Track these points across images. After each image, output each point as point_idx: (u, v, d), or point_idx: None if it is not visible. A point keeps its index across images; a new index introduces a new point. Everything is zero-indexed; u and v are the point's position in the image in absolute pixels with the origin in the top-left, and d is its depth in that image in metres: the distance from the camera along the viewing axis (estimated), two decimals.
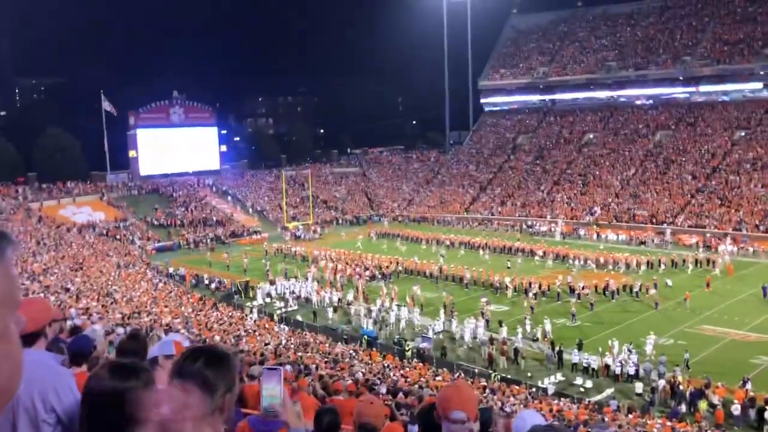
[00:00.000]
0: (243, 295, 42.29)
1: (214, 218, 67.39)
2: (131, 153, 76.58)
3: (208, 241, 60.94)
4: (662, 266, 45.31)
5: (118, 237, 58.06)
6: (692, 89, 74.81)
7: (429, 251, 53.96)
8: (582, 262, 47.29)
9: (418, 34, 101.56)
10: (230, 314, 35.33)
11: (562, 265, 47.79)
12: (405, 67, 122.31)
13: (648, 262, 45.91)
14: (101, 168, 74.06)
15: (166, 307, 33.31)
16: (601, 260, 47.15)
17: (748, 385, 24.94)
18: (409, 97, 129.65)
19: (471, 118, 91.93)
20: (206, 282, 45.30)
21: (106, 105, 70.42)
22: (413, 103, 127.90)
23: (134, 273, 44.25)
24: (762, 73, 70.01)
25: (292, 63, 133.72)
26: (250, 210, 71.67)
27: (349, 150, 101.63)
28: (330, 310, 38.11)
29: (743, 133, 66.48)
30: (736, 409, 23.59)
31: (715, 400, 24.42)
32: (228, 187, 76.59)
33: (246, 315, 36.24)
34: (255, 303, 40.22)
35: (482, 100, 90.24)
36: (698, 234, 54.05)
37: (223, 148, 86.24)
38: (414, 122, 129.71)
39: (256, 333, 29.94)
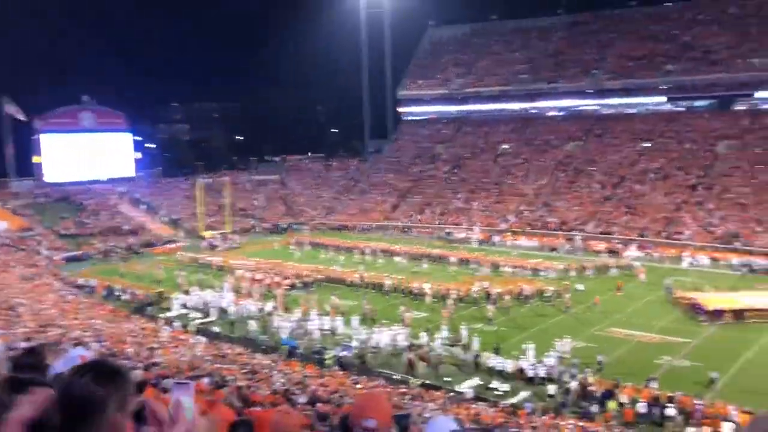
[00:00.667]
0: (158, 306, 41.02)
1: (127, 227, 65.11)
2: (35, 159, 73.10)
3: (120, 250, 58.80)
4: (573, 272, 47.00)
5: (23, 247, 55.16)
6: (600, 102, 78.25)
7: (350, 259, 53.93)
8: (493, 268, 48.47)
9: (338, 43, 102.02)
10: (144, 326, 34.18)
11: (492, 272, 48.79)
12: (325, 75, 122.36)
13: (564, 269, 47.46)
14: (2, 174, 70.32)
15: (75, 319, 31.83)
16: (515, 266, 48.46)
17: (653, 384, 26.20)
18: (329, 105, 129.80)
19: (390, 127, 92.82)
20: (118, 293, 43.68)
21: (11, 109, 66.96)
22: (333, 111, 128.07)
23: (41, 285, 42.12)
24: (664, 87, 74.01)
25: (209, 68, 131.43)
26: (165, 219, 69.66)
27: (267, 157, 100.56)
28: (249, 320, 37.48)
29: (648, 144, 69.99)
30: (642, 407, 24.72)
31: (624, 399, 25.50)
32: (141, 195, 74.20)
33: (160, 327, 35.15)
34: (170, 314, 39.08)
35: (401, 110, 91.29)
36: (606, 240, 56.44)
37: (138, 155, 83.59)
38: (334, 130, 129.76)
39: (171, 345, 29.06)
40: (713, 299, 37.64)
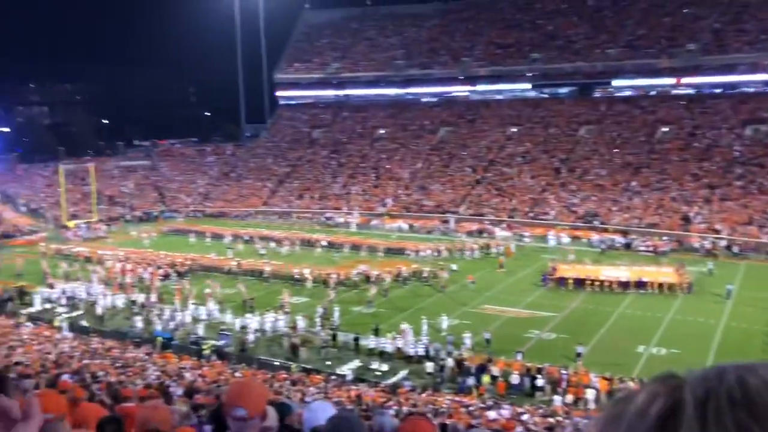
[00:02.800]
0: (18, 302, 38.33)
1: None
2: None
3: None
4: (447, 252, 48.58)
5: None
6: (471, 88, 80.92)
7: (223, 247, 52.71)
8: (376, 252, 49.26)
9: (211, 23, 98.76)
10: (3, 323, 31.86)
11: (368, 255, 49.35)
12: (196, 56, 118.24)
13: (437, 249, 48.94)
14: None
15: None
16: (393, 248, 49.45)
17: (518, 357, 27.78)
18: (202, 87, 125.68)
19: (267, 111, 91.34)
20: None
21: None
22: (206, 94, 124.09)
23: None
24: (530, 74, 77.65)
25: (70, 47, 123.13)
26: (23, 208, 64.93)
27: (136, 142, 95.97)
28: (118, 312, 35.91)
29: (515, 129, 73.27)
30: (515, 378, 26.13)
31: (496, 372, 26.80)
32: None
33: (21, 323, 32.90)
34: (32, 309, 36.66)
35: (278, 94, 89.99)
36: (478, 221, 58.74)
37: None
38: (207, 113, 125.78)
39: (35, 342, 27.29)
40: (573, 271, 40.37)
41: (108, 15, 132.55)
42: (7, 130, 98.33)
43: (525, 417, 19.76)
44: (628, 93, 73.63)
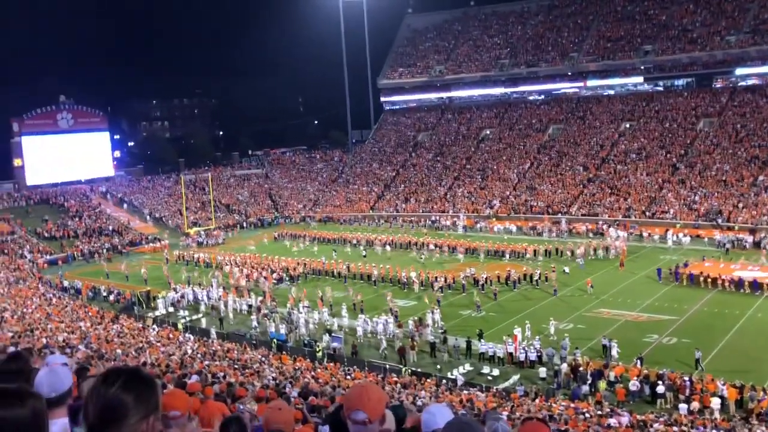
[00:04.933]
0: (144, 306, 40.82)
1: (110, 227, 64.58)
2: (17, 162, 72.29)
3: (104, 251, 58.36)
4: (561, 254, 47.24)
5: (5, 251, 54.57)
6: (580, 84, 78.47)
7: (342, 251, 53.75)
8: (486, 254, 48.68)
9: (316, 34, 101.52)
10: (131, 326, 33.97)
11: (471, 258, 48.93)
12: (304, 66, 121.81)
13: (546, 251, 47.74)
14: None
15: (61, 322, 31.57)
16: (503, 251, 48.66)
17: (638, 363, 26.47)
18: (310, 96, 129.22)
19: (372, 117, 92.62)
20: (104, 294, 43.41)
21: None
22: (314, 102, 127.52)
23: (25, 289, 41.69)
24: (642, 67, 74.33)
25: (187, 64, 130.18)
26: (148, 217, 69.15)
27: (250, 151, 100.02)
28: (232, 315, 37.52)
29: (628, 125, 70.34)
30: (633, 385, 24.95)
31: (613, 378, 25.71)
32: (123, 195, 73.61)
33: (148, 326, 34.96)
34: (157, 313, 38.90)
35: (382, 99, 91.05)
36: (592, 222, 56.78)
37: (117, 153, 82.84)
38: (316, 122, 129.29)
39: (160, 344, 28.91)
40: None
41: (218, 30, 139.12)
42: (132, 144, 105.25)
43: (654, 426, 18.80)
44: (753, 81, 68.81)
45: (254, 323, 35.34)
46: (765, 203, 52.70)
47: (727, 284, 37.36)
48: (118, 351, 24.69)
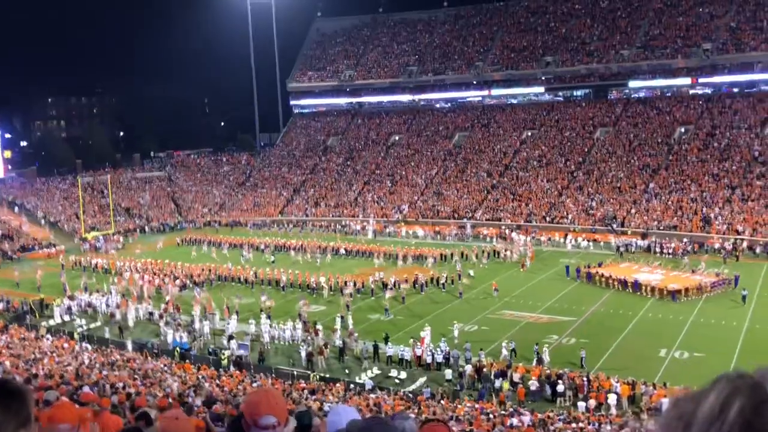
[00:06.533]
0: (37, 315, 38.62)
1: (0, 232, 60.73)
2: None
3: None
4: (466, 258, 48.31)
5: None
6: (485, 93, 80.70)
7: (238, 257, 52.74)
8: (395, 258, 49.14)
9: (224, 34, 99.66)
10: (23, 336, 32.05)
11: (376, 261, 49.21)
12: (210, 67, 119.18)
13: (451, 255, 48.70)
14: None
15: None
16: (410, 255, 49.26)
17: (539, 364, 27.47)
18: (216, 98, 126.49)
19: (281, 120, 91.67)
20: None
21: None
22: (221, 104, 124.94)
23: None
24: (543, 78, 77.31)
25: (85, 62, 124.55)
26: (42, 221, 65.50)
27: (152, 153, 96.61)
28: (132, 324, 36.18)
29: (530, 133, 72.92)
30: (533, 384, 25.81)
31: (516, 378, 26.51)
32: (15, 197, 69.41)
33: (41, 336, 33.09)
34: (52, 322, 36.91)
35: (292, 102, 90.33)
36: (495, 227, 58.44)
37: (8, 153, 78.06)
38: (222, 124, 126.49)
39: (54, 354, 27.41)
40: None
41: (121, 28, 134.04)
42: (25, 144, 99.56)
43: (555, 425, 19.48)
44: (644, 94, 73.00)
45: (156, 331, 34.11)
46: (655, 209, 55.92)
47: (618, 285, 39.44)
48: (7, 363, 23.21)
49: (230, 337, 32.12)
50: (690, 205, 55.15)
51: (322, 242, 55.54)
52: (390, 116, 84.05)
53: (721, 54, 68.16)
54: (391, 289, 39.66)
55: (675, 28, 72.99)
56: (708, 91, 69.59)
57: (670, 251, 47.89)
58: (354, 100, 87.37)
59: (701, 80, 69.22)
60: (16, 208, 67.18)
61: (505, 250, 49.92)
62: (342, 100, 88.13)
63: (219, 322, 34.71)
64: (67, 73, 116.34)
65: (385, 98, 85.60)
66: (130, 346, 32.63)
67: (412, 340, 30.33)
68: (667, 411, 0.71)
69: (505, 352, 28.93)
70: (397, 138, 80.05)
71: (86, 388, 13.14)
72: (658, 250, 48.56)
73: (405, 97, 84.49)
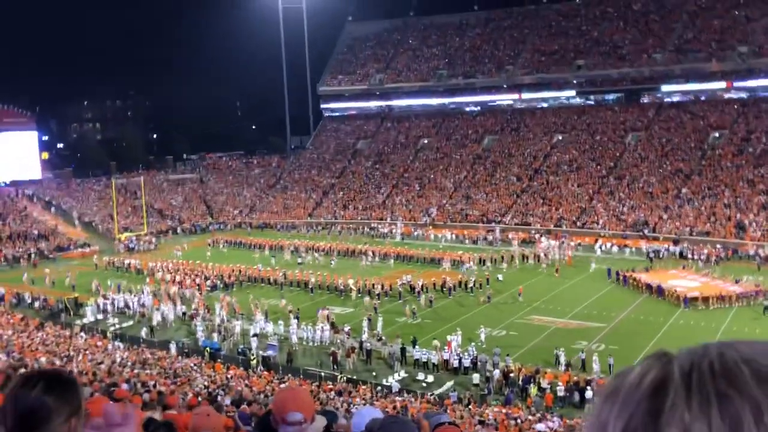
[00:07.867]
0: (71, 313, 39.41)
1: (36, 231, 62.11)
2: None
3: (30, 256, 56.03)
4: (494, 263, 48.07)
5: None
6: (515, 96, 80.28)
7: (277, 258, 53.13)
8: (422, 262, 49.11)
9: (256, 38, 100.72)
10: (57, 334, 32.76)
11: (406, 265, 49.24)
12: (243, 70, 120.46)
13: (480, 259, 48.50)
14: None
15: None
16: (439, 259, 49.16)
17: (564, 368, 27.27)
18: (248, 101, 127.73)
19: (311, 124, 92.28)
20: (29, 301, 41.70)
21: None
22: (252, 107, 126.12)
23: None
24: (575, 81, 76.68)
25: (120, 64, 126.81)
26: (77, 222, 66.79)
27: (185, 156, 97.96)
28: (170, 323, 36.62)
29: (560, 137, 72.33)
30: (561, 390, 25.62)
31: (544, 384, 26.34)
32: (51, 198, 70.91)
33: (75, 334, 33.78)
34: (85, 321, 37.65)
35: (322, 106, 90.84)
36: (524, 231, 58.04)
37: (45, 155, 79.81)
38: (254, 127, 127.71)
39: (87, 352, 27.99)
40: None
41: (156, 31, 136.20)
42: (61, 146, 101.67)
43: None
44: (677, 98, 71.90)
45: (187, 331, 34.60)
46: (688, 215, 55.06)
47: (647, 289, 39.09)
48: (42, 359, 23.80)
49: (255, 335, 32.47)
50: (723, 212, 54.19)
51: (350, 245, 55.64)
52: (419, 120, 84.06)
53: (757, 57, 66.90)
54: (419, 292, 39.68)
55: (709, 31, 71.84)
56: (743, 95, 68.36)
57: (703, 257, 47.03)
58: (384, 103, 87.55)
59: (736, 84, 68.04)
60: (53, 209, 68.63)
61: (537, 255, 49.58)
62: (372, 104, 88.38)
63: (256, 324, 34.83)
64: (102, 77, 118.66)
65: (414, 102, 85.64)
66: (166, 345, 33.11)
67: (436, 342, 30.32)
68: (609, 381, 0.88)
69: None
70: (426, 141, 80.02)
71: (124, 385, 13.45)
72: (689, 256, 47.78)
73: (435, 101, 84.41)
